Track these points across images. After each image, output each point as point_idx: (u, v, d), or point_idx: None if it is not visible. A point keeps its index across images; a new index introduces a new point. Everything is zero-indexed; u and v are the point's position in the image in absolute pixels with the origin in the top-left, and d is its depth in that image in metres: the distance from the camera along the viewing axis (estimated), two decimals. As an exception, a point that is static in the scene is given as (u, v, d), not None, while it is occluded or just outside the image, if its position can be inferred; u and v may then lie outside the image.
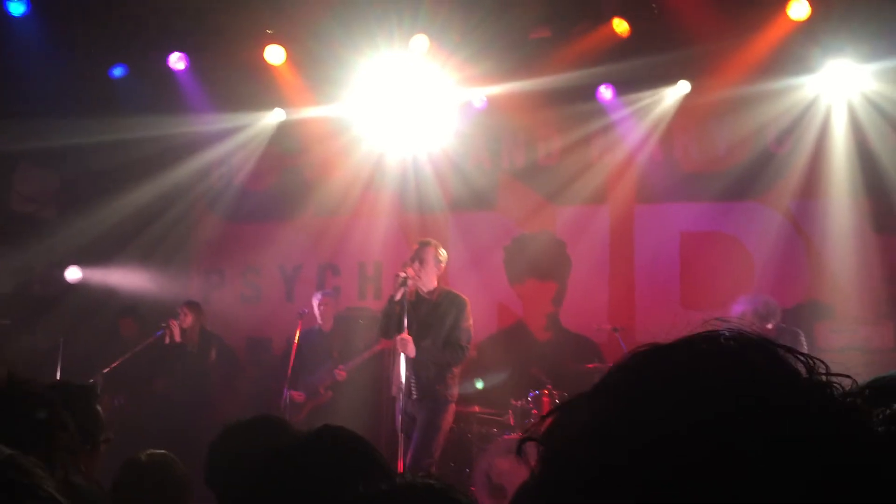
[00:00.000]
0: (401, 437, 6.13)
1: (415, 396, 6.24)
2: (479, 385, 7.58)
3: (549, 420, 0.77)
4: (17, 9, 7.46)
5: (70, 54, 7.82)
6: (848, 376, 0.74)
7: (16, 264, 8.77)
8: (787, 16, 7.08)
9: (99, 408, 2.58)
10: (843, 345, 7.67)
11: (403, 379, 6.15)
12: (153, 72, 8.32)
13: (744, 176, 8.12)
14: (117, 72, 8.32)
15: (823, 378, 0.73)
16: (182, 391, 7.88)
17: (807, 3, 7.00)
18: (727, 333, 0.75)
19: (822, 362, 0.74)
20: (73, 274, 9.10)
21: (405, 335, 6.12)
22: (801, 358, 0.74)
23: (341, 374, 7.79)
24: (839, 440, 0.68)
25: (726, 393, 0.69)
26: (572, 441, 0.73)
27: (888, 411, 0.74)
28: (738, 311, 7.07)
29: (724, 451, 0.66)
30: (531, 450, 0.77)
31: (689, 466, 0.67)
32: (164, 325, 7.89)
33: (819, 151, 7.86)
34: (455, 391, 6.38)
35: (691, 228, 8.36)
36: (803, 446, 0.67)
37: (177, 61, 8.25)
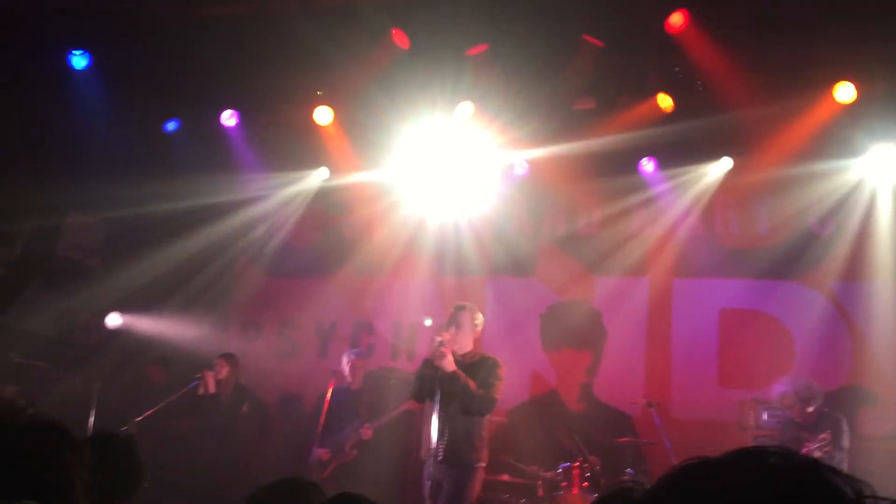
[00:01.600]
0: None
1: (440, 458, 6.14)
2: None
3: None
4: (79, 62, 7.76)
5: (126, 109, 8.08)
6: (893, 500, 0.73)
7: (60, 309, 8.93)
8: (833, 98, 7.09)
9: (140, 458, 2.60)
10: (886, 433, 7.46)
11: (434, 442, 6.08)
12: (205, 128, 8.55)
13: (785, 255, 8.05)
14: (171, 125, 8.57)
15: (869, 501, 0.73)
16: (212, 444, 7.88)
17: (853, 87, 7.02)
18: (775, 451, 0.76)
19: (869, 485, 0.74)
20: (113, 320, 9.24)
21: (443, 349, 6.07)
22: (848, 480, 0.74)
23: (367, 432, 7.74)
24: None
25: None
26: None
27: None
28: (779, 391, 6.95)
29: None
30: None
31: None
32: (199, 375, 7.93)
33: (863, 234, 7.79)
34: (483, 455, 6.28)
35: (731, 305, 8.27)
36: None
37: (228, 118, 8.48)
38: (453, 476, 6.15)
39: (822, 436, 6.38)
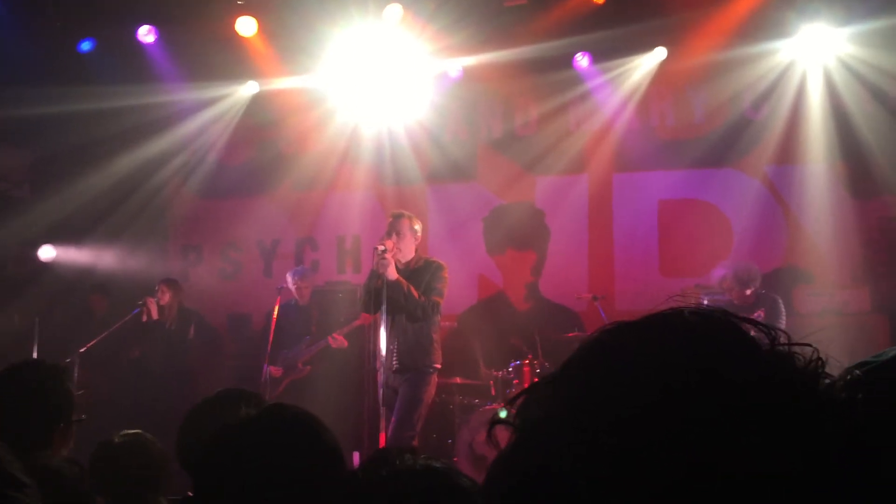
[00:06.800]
0: (382, 410, 6.12)
1: (395, 366, 6.23)
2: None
3: (520, 400, 0.78)
4: (-21, -17, 7.29)
5: (37, 28, 7.66)
6: (809, 345, 0.75)
7: (-11, 243, 8.65)
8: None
9: (70, 386, 2.54)
10: (821, 308, 7.74)
11: (384, 352, 6.14)
12: (122, 45, 8.17)
13: (720, 143, 8.12)
14: (85, 46, 8.16)
15: (785, 348, 0.74)
16: (162, 369, 7.83)
17: (782, -33, 6.97)
18: (689, 308, 0.77)
19: (784, 332, 0.75)
20: (46, 253, 8.99)
21: (387, 256, 6.10)
22: (763, 328, 0.76)
23: (340, 339, 7.72)
24: (800, 408, 0.69)
25: (688, 367, 0.71)
26: (540, 420, 0.74)
27: (849, 377, 0.75)
28: (719, 275, 7.12)
29: (684, 424, 0.68)
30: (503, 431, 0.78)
31: (649, 442, 0.68)
32: (140, 302, 7.83)
33: (795, 117, 7.87)
34: (436, 358, 6.35)
35: (669, 196, 8.36)
36: (764, 416, 0.68)
37: (146, 34, 8.10)
38: (408, 381, 6.24)
39: (756, 314, 6.58)
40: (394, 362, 6.23)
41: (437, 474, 1.32)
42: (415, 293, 6.17)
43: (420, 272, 6.36)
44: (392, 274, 6.12)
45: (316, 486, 1.58)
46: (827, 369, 0.75)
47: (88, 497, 2.44)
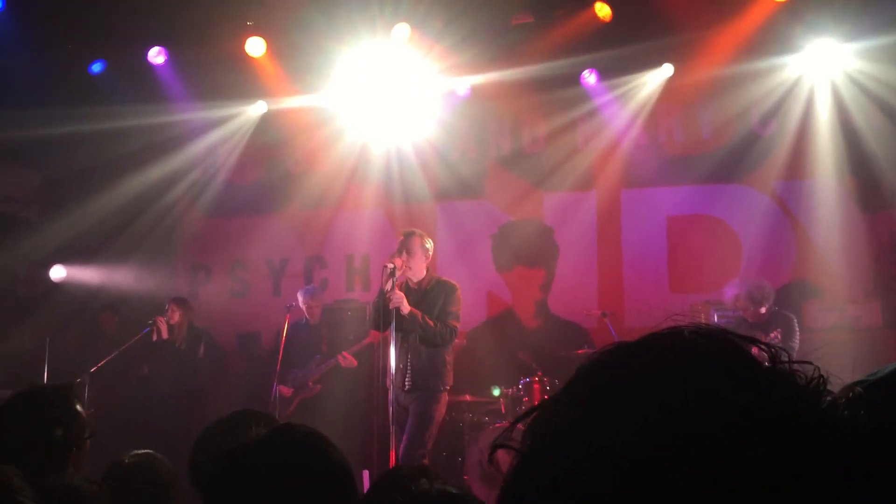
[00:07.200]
0: (392, 429, 6.09)
1: (407, 387, 6.18)
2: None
3: (529, 419, 0.79)
4: (-9, 6, 7.35)
5: (48, 50, 7.73)
6: (810, 362, 0.75)
7: (-2, 265, 8.69)
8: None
9: (79, 407, 2.55)
10: (833, 324, 7.69)
11: (395, 370, 6.11)
12: (132, 67, 8.22)
13: (729, 158, 8.12)
14: (96, 67, 8.23)
15: (786, 367, 0.74)
16: (171, 388, 7.83)
17: (790, -19, 6.98)
18: (690, 328, 0.77)
19: (785, 351, 0.76)
20: (57, 273, 9.03)
21: (398, 291, 6.07)
22: (764, 347, 0.76)
23: (349, 357, 7.69)
24: (801, 424, 0.70)
25: (686, 387, 0.71)
26: (540, 443, 0.75)
27: (851, 394, 0.76)
28: (732, 294, 7.07)
29: (686, 441, 0.68)
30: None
31: (651, 458, 0.68)
32: (150, 322, 7.84)
33: (803, 132, 7.87)
34: (448, 379, 6.32)
35: (678, 212, 8.35)
36: (765, 432, 0.68)
37: (156, 55, 8.16)
38: (419, 399, 6.19)
39: (772, 335, 6.53)
40: (406, 382, 6.19)
41: (454, 501, 1.31)
42: (430, 323, 6.12)
43: (433, 293, 6.31)
44: (405, 308, 6.06)
45: None
46: (830, 387, 0.75)
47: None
